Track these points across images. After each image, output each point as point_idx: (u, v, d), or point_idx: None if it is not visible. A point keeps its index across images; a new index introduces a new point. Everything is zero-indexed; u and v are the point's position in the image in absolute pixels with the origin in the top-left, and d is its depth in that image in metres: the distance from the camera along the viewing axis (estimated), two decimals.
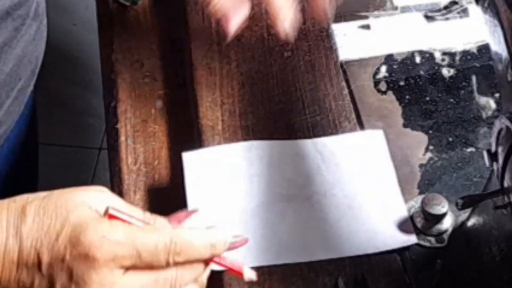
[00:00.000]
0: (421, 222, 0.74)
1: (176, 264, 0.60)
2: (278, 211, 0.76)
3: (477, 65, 0.88)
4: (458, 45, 0.90)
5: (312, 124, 0.82)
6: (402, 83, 0.87)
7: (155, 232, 0.59)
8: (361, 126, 0.83)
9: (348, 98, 0.85)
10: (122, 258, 0.58)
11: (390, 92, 0.86)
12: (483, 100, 0.85)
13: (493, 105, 0.85)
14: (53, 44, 2.07)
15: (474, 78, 0.87)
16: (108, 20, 0.95)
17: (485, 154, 0.63)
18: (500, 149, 0.60)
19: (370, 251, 0.73)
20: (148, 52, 0.91)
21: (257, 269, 0.73)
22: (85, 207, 0.60)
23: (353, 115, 0.84)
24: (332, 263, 0.74)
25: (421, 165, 0.80)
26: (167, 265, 0.59)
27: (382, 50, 0.89)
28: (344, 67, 0.87)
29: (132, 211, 0.62)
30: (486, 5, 0.60)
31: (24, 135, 0.94)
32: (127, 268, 0.59)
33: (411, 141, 0.82)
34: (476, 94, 0.85)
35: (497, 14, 0.58)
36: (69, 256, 0.59)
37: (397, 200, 0.77)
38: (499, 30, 0.58)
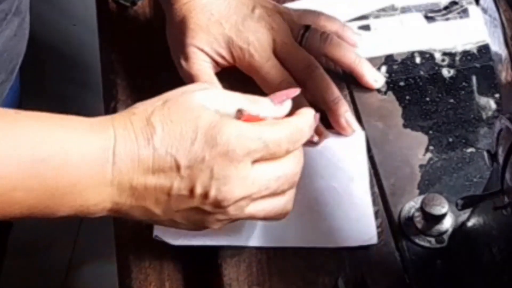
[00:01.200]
0: (421, 222, 0.74)
1: (291, 152, 0.68)
2: None
3: (477, 65, 0.88)
4: (458, 46, 0.90)
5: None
6: (402, 83, 0.87)
7: (278, 126, 0.68)
8: (361, 127, 0.83)
9: (348, 98, 0.85)
10: (254, 151, 0.66)
11: (390, 93, 0.86)
12: (483, 100, 0.85)
13: (493, 105, 0.85)
14: (53, 44, 2.08)
15: (474, 78, 0.87)
16: (108, 20, 0.95)
17: (485, 154, 0.63)
18: (500, 150, 0.60)
19: (329, 245, 0.74)
20: (148, 52, 0.91)
21: (257, 268, 0.73)
22: (206, 111, 0.66)
23: (353, 116, 0.84)
24: (332, 263, 0.74)
25: (421, 166, 0.80)
26: (286, 153, 0.68)
27: (382, 51, 0.89)
28: None
29: (238, 99, 0.69)
30: (486, 5, 0.60)
31: None
32: (255, 161, 0.66)
33: (411, 141, 0.82)
34: (476, 95, 0.85)
35: (497, 14, 0.58)
36: (209, 156, 0.65)
37: (366, 202, 0.77)
38: (499, 30, 0.58)
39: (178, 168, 0.65)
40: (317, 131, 0.79)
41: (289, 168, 0.68)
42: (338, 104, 0.81)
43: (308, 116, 0.70)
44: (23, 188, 0.61)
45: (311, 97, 0.82)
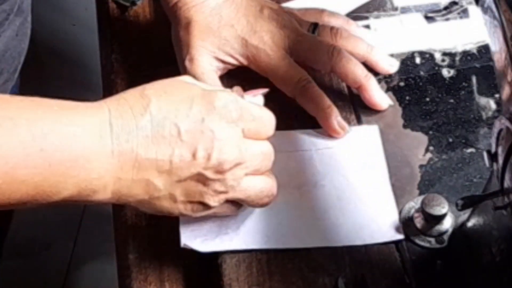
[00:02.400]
0: (421, 222, 0.74)
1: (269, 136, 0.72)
2: None
3: (477, 65, 0.88)
4: (458, 46, 0.90)
5: (312, 124, 0.82)
6: (402, 83, 0.87)
7: (261, 108, 0.73)
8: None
9: (348, 98, 0.85)
10: (245, 120, 0.69)
11: (390, 93, 0.86)
12: (483, 100, 0.85)
13: (493, 105, 0.84)
14: (53, 44, 2.08)
15: (474, 78, 0.87)
16: (107, 20, 0.95)
17: (485, 154, 0.63)
18: (500, 150, 0.60)
19: (357, 242, 0.74)
20: (148, 52, 0.91)
21: (257, 268, 0.73)
22: (196, 84, 0.70)
23: (353, 116, 0.84)
24: (332, 263, 0.74)
25: (421, 166, 0.80)
26: (265, 135, 0.71)
27: (382, 51, 0.89)
28: None
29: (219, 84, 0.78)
30: (486, 5, 0.60)
31: None
32: (243, 132, 0.69)
33: (411, 141, 0.82)
34: (476, 95, 0.85)
35: (497, 15, 0.58)
36: (208, 118, 0.67)
37: (387, 195, 0.77)
38: (499, 30, 0.58)
39: (178, 132, 0.66)
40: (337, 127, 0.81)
41: (269, 149, 0.72)
42: (369, 81, 0.83)
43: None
44: (26, 165, 0.61)
45: (341, 78, 0.84)
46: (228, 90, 0.73)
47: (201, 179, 0.68)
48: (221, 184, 0.68)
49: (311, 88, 0.81)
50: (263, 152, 0.71)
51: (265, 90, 0.78)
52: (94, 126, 0.64)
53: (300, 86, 0.81)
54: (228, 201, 0.71)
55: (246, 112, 0.69)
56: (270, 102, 0.82)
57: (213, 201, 0.69)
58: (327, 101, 0.81)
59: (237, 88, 0.73)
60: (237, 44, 0.82)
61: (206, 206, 0.70)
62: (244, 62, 0.83)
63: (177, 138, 0.66)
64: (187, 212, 0.70)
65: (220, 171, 0.67)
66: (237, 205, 0.73)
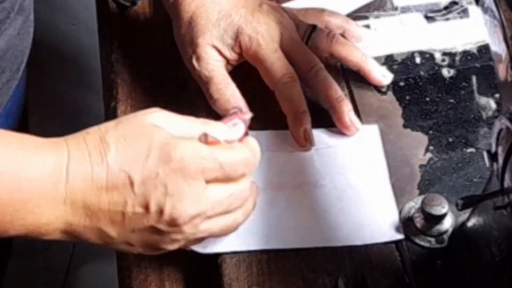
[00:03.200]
0: (421, 222, 0.74)
1: (246, 176, 0.69)
2: (269, 198, 0.77)
3: (477, 65, 0.88)
4: (458, 46, 0.90)
5: (312, 124, 0.82)
6: (402, 83, 0.87)
7: (233, 148, 0.68)
8: None
9: (348, 98, 0.85)
10: (209, 171, 0.66)
11: (390, 93, 0.86)
12: (483, 100, 0.85)
13: (493, 105, 0.84)
14: (53, 45, 2.07)
15: (474, 78, 0.87)
16: (107, 20, 0.95)
17: (485, 154, 0.63)
18: (500, 150, 0.60)
19: (357, 242, 0.74)
20: (148, 52, 0.91)
21: (257, 268, 0.73)
22: (160, 130, 0.66)
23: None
24: (332, 263, 0.74)
25: (421, 166, 0.80)
26: (241, 177, 0.68)
27: (382, 51, 0.89)
28: (344, 67, 0.87)
29: (191, 122, 0.69)
30: (486, 5, 0.60)
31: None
32: (208, 182, 0.66)
33: (411, 141, 0.82)
34: (476, 95, 0.85)
35: (497, 14, 0.58)
36: (163, 173, 0.64)
37: (387, 195, 0.77)
38: (499, 30, 0.58)
39: (131, 184, 0.64)
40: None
41: (242, 189, 0.69)
42: (342, 103, 0.81)
43: (255, 143, 0.71)
44: None
45: (313, 95, 0.83)
46: (200, 130, 0.68)
47: (156, 231, 0.66)
48: (177, 234, 0.67)
49: (291, 87, 0.81)
50: (232, 195, 0.68)
51: (247, 116, 0.74)
52: (50, 170, 0.63)
53: (282, 82, 0.81)
54: (194, 239, 0.70)
55: (209, 163, 0.66)
56: (270, 101, 0.82)
57: (172, 246, 0.68)
58: (303, 106, 0.80)
59: (203, 136, 0.67)
60: (233, 32, 0.82)
61: (165, 249, 0.69)
62: (238, 50, 0.83)
63: (130, 190, 0.64)
64: (147, 253, 0.69)
65: (174, 225, 0.66)
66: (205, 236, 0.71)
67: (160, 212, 0.65)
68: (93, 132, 0.66)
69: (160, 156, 0.64)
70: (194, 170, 0.65)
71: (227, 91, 0.81)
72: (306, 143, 0.80)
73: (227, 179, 0.67)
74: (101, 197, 0.64)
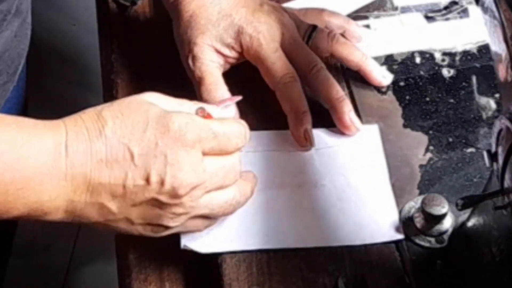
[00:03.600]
0: (421, 222, 0.74)
1: (238, 149, 0.70)
2: (269, 198, 0.77)
3: (477, 65, 0.88)
4: (458, 46, 0.90)
5: (312, 124, 0.82)
6: (402, 83, 0.87)
7: (226, 121, 0.70)
8: None
9: (348, 98, 0.85)
10: (205, 140, 0.67)
11: (390, 93, 0.86)
12: (483, 100, 0.85)
13: (493, 105, 0.84)
14: (53, 45, 2.07)
15: (474, 78, 0.87)
16: (107, 20, 0.95)
17: (485, 154, 0.63)
18: (500, 150, 0.60)
19: (357, 242, 0.74)
20: (148, 52, 0.91)
21: (257, 268, 0.73)
22: (156, 105, 0.68)
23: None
24: (332, 263, 0.74)
25: (421, 166, 0.80)
26: (234, 149, 0.70)
27: (382, 51, 0.89)
28: (344, 67, 0.87)
29: (184, 102, 0.71)
30: (486, 5, 0.60)
31: None
32: (204, 154, 0.67)
33: (411, 141, 0.82)
34: (476, 95, 0.85)
35: (497, 14, 0.58)
36: (162, 143, 0.65)
37: (387, 195, 0.77)
38: (499, 30, 0.58)
39: (131, 156, 0.65)
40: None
41: (235, 162, 0.70)
42: (343, 103, 0.81)
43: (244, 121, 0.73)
44: None
45: (314, 95, 0.83)
46: (192, 109, 0.70)
47: (157, 203, 0.67)
48: (178, 207, 0.67)
49: (292, 87, 0.81)
50: (225, 167, 0.69)
51: (237, 98, 0.77)
52: (49, 147, 0.64)
53: (283, 82, 0.81)
54: (193, 218, 0.70)
55: (205, 132, 0.67)
56: (270, 101, 0.82)
57: (173, 222, 0.68)
58: (304, 106, 0.80)
59: (200, 109, 0.70)
60: (234, 32, 0.82)
61: (166, 227, 0.69)
62: (239, 49, 0.83)
63: (130, 162, 0.65)
64: (147, 233, 0.69)
65: (175, 196, 0.66)
66: (204, 218, 0.71)
67: (161, 182, 0.65)
68: (89, 111, 0.67)
69: (158, 127, 0.66)
70: (191, 139, 0.66)
71: (217, 93, 0.81)
72: (306, 143, 0.80)
73: (221, 150, 0.69)
74: (101, 170, 0.64)
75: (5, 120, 0.65)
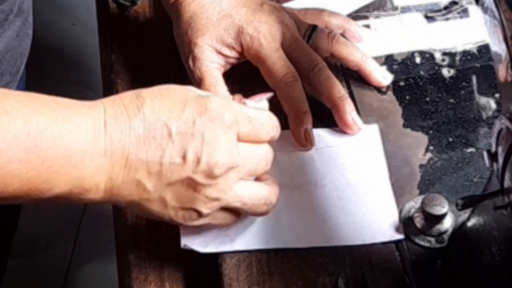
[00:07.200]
0: (421, 222, 0.74)
1: (272, 137, 0.72)
2: None
3: (477, 65, 0.88)
4: (458, 45, 0.90)
5: (312, 124, 0.82)
6: (402, 83, 0.87)
7: (259, 110, 0.72)
8: None
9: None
10: (241, 123, 0.69)
11: (390, 93, 0.86)
12: (483, 100, 0.85)
13: (493, 105, 0.85)
14: (53, 44, 2.08)
15: (474, 78, 0.87)
16: (107, 20, 0.95)
17: (485, 154, 0.63)
18: (500, 150, 0.60)
19: (357, 242, 0.74)
20: (148, 52, 0.91)
21: (257, 268, 0.73)
22: (194, 91, 0.70)
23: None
24: (332, 263, 0.74)
25: (421, 166, 0.80)
26: (267, 137, 0.71)
27: (382, 50, 0.89)
28: (344, 67, 0.87)
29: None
30: (486, 5, 0.60)
31: None
32: (239, 138, 0.69)
33: (411, 141, 0.82)
34: (476, 94, 0.85)
35: (497, 14, 0.58)
36: (199, 121, 0.67)
37: (387, 195, 0.77)
38: (499, 30, 0.58)
39: (169, 134, 0.66)
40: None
41: (268, 151, 0.72)
42: (345, 102, 0.81)
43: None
44: (20, 160, 0.61)
45: (315, 94, 0.83)
46: (229, 96, 0.73)
47: (192, 184, 0.67)
48: (212, 189, 0.68)
49: (293, 87, 0.81)
50: (258, 155, 0.70)
51: (269, 95, 0.78)
52: (89, 124, 0.65)
53: (284, 81, 0.81)
54: (224, 210, 0.70)
55: (241, 115, 0.69)
56: (271, 101, 0.82)
57: (205, 208, 0.69)
58: (304, 105, 0.81)
59: (238, 96, 0.73)
60: (234, 32, 0.82)
61: (198, 213, 0.69)
62: (239, 49, 0.83)
63: (167, 139, 0.66)
64: (177, 219, 0.69)
65: (210, 175, 0.67)
66: (234, 213, 0.72)
67: (197, 161, 0.66)
68: (127, 92, 0.69)
69: (196, 106, 0.67)
70: (228, 119, 0.68)
71: (216, 94, 0.81)
72: (306, 143, 0.80)
73: (255, 136, 0.70)
74: (139, 147, 0.65)
75: (45, 99, 0.65)
